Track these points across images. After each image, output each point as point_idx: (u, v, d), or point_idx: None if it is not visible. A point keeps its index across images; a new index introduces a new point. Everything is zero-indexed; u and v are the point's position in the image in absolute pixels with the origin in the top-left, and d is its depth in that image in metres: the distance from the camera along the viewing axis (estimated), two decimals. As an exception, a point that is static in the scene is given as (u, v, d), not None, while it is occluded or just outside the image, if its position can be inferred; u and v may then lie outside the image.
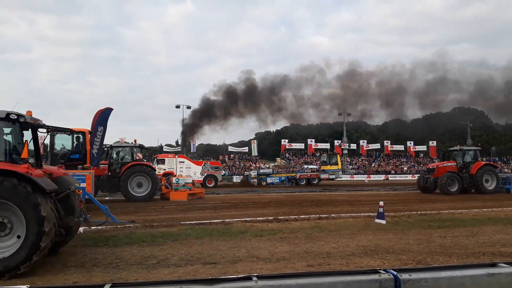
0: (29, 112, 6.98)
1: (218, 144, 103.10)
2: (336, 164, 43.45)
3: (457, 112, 76.00)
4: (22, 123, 6.69)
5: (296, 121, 60.46)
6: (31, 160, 6.62)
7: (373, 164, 64.92)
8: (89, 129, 16.70)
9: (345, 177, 56.21)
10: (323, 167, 42.20)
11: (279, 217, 12.27)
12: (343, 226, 10.60)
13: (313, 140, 72.19)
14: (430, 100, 47.12)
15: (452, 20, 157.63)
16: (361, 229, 10.17)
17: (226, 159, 64.98)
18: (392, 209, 13.96)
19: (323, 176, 39.36)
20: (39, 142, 7.51)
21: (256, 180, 36.98)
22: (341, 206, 16.54)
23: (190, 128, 43.79)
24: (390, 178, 54.59)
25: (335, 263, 6.73)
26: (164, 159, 33.95)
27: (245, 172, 45.38)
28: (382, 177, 55.99)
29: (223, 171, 53.15)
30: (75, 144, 16.06)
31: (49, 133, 7.39)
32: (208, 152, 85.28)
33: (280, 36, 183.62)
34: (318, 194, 25.23)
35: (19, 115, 6.60)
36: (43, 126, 7.32)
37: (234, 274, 5.82)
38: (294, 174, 38.79)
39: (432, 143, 67.95)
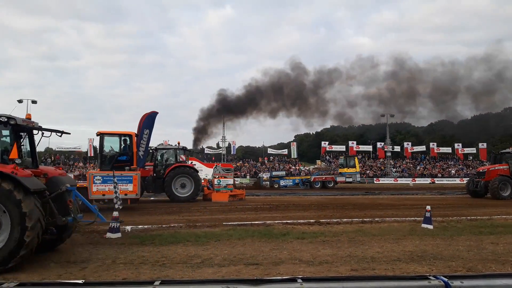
0: (28, 115, 7.30)
1: (257, 146, 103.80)
2: (354, 166, 42.10)
3: (509, 112, 71.83)
4: (13, 125, 6.97)
5: (341, 122, 58.67)
6: (18, 161, 6.86)
7: (418, 167, 62.62)
8: (136, 132, 17.35)
9: (389, 180, 54.69)
10: (340, 170, 40.81)
11: (321, 220, 12.16)
12: (387, 231, 10.34)
13: (355, 142, 70.73)
14: (485, 99, 44.11)
15: (502, 17, 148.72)
16: (406, 234, 9.88)
17: (266, 161, 65.18)
18: (439, 214, 13.43)
19: (339, 179, 37.83)
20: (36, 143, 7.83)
21: (268, 182, 36.39)
22: (385, 210, 16.12)
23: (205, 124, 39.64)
24: (436, 182, 52.47)
25: (380, 268, 6.58)
26: None
27: (259, 175, 44.49)
28: (428, 180, 53.90)
29: (265, 175, 53.03)
30: (122, 146, 16.73)
31: (43, 135, 7.69)
32: (248, 154, 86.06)
33: (320, 38, 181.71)
34: (361, 197, 24.71)
35: (9, 118, 6.86)
36: (37, 128, 7.57)
37: (277, 275, 5.86)
38: (308, 177, 37.90)
39: (482, 145, 64.52)
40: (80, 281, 2.82)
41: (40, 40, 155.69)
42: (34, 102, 46.91)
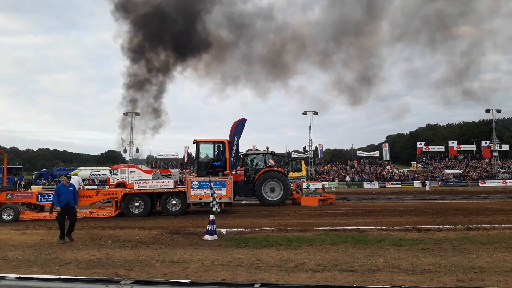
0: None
1: (345, 149, 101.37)
2: (300, 170, 38.07)
3: None
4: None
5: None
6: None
7: (532, 168, 55.56)
8: (228, 139, 18.11)
9: (496, 183, 49.49)
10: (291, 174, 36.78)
11: (420, 226, 11.44)
12: (497, 238, 9.39)
13: (455, 141, 65.23)
14: None
15: None
16: (521, 242, 8.84)
17: (355, 164, 63.22)
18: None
19: None
20: None
21: None
22: (493, 215, 14.62)
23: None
24: (556, 184, 46.01)
25: (490, 279, 5.98)
26: (117, 170, 34.83)
27: None
28: (545, 182, 47.57)
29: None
30: (216, 153, 17.59)
31: None
32: (336, 157, 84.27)
33: None
34: (464, 202, 22.68)
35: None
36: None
37: (374, 283, 5.65)
38: None
39: None
40: (187, 281, 3.06)
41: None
42: (137, 114, 51.44)
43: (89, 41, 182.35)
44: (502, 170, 55.79)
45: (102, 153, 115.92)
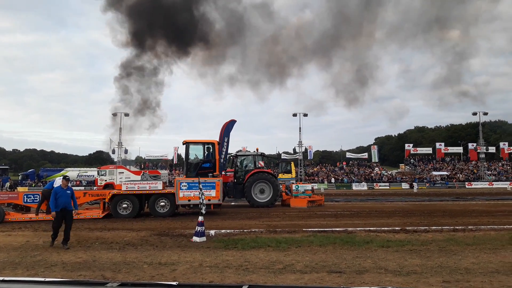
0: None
1: (335, 151, 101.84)
2: (290, 172, 38.75)
3: None
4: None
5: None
6: None
7: (517, 170, 56.52)
8: (218, 140, 18.05)
9: (482, 185, 50.23)
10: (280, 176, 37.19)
11: (407, 228, 11.55)
12: (483, 240, 9.52)
13: (443, 143, 66.06)
14: None
15: None
16: (506, 243, 9.02)
17: (344, 166, 63.63)
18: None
19: None
20: None
21: None
22: (479, 217, 14.83)
23: None
24: (540, 186, 46.83)
25: (475, 280, 6.07)
26: (105, 171, 34.87)
27: None
28: (530, 184, 48.38)
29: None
30: (206, 154, 17.53)
31: None
32: (325, 159, 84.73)
33: None
34: (451, 203, 22.98)
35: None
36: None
37: (362, 285, 5.68)
38: None
39: None
40: (174, 283, 3.04)
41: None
42: (126, 115, 51.11)
43: (78, 40, 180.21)
44: (489, 172, 56.66)
45: (90, 154, 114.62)
